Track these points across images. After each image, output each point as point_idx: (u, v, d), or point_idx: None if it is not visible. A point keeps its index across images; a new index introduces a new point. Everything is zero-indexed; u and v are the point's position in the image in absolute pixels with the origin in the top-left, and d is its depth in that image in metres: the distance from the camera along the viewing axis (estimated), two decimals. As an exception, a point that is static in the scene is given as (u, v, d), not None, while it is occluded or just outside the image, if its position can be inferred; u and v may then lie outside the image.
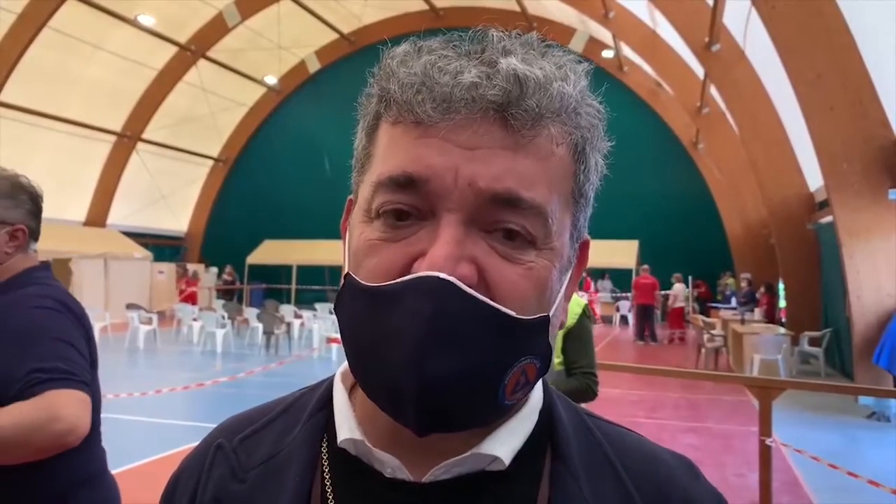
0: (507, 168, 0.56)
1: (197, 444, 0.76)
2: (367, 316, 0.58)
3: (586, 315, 3.25)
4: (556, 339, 3.05)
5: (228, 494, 0.67)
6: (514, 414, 0.65)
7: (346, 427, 0.65)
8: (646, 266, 18.64)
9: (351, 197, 0.68)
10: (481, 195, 0.56)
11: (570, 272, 0.64)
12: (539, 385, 0.69)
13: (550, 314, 0.60)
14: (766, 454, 4.47)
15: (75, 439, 1.61)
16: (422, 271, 0.55)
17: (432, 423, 0.57)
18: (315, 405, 0.71)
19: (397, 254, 0.58)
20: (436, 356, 0.54)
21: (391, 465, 0.62)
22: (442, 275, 0.54)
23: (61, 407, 1.59)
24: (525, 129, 0.57)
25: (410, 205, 0.58)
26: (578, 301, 3.24)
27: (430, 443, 0.61)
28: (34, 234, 1.94)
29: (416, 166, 0.57)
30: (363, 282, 0.59)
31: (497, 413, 0.61)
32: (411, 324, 0.54)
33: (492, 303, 0.56)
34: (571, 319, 3.13)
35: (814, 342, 12.38)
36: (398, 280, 0.56)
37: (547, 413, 0.68)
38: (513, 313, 0.57)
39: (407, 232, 0.58)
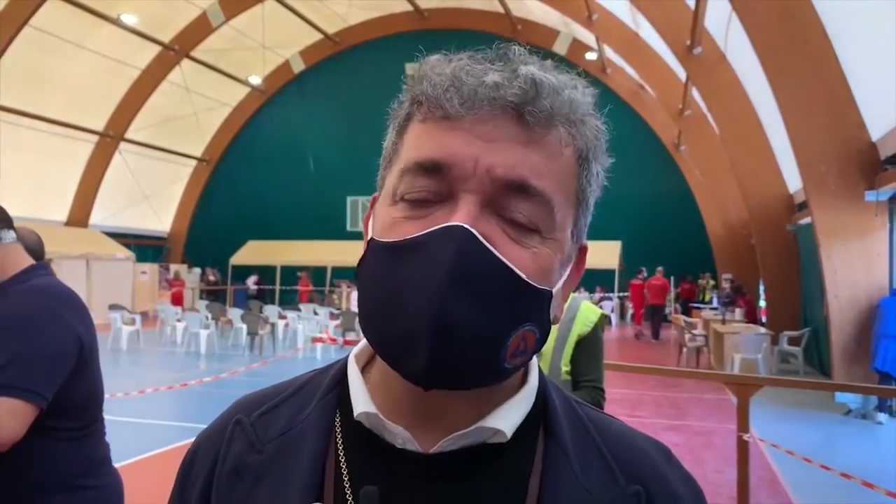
0: (521, 159, 0.63)
1: (214, 419, 0.81)
2: (387, 268, 0.63)
3: (600, 326, 3.01)
4: (568, 345, 2.88)
5: (246, 465, 0.72)
6: (514, 393, 0.71)
7: (362, 401, 0.70)
8: (660, 268, 19.54)
9: (375, 194, 0.74)
10: (497, 181, 0.63)
11: (568, 269, 0.71)
12: (536, 372, 0.75)
13: (553, 291, 0.67)
14: (743, 450, 4.57)
15: None
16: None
17: (440, 369, 0.61)
18: (329, 383, 0.76)
19: (417, 227, 0.63)
20: (455, 298, 0.59)
21: (402, 436, 0.68)
22: (465, 224, 0.61)
23: None
24: (538, 127, 0.64)
25: (432, 191, 0.64)
26: (594, 309, 3.02)
27: (438, 416, 0.68)
28: None
29: (441, 153, 0.64)
30: (386, 239, 0.65)
31: (496, 375, 0.65)
32: (436, 266, 0.60)
33: (507, 261, 0.62)
34: (586, 328, 2.92)
35: (793, 341, 12.54)
36: (423, 232, 0.62)
37: (541, 397, 0.74)
38: (524, 276, 0.63)
39: (428, 211, 0.64)
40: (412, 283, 0.61)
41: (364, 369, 0.75)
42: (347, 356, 0.78)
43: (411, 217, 0.64)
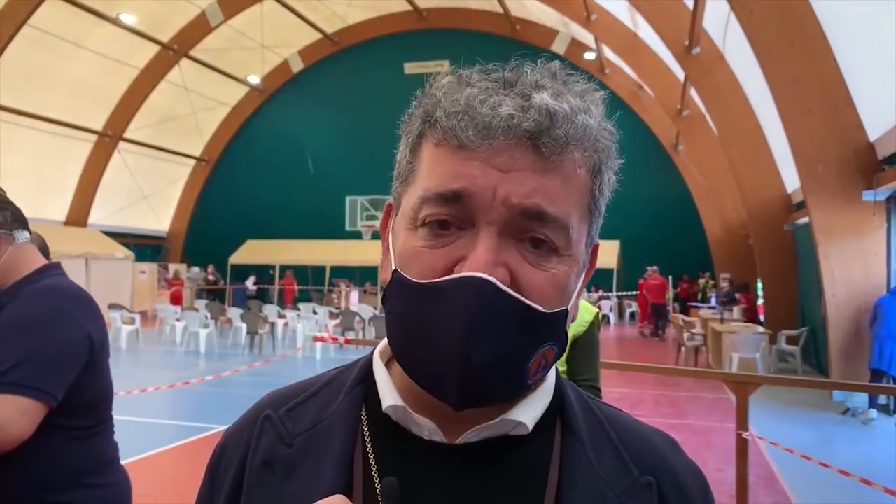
0: (536, 187, 0.66)
1: (239, 416, 0.84)
2: (415, 308, 0.67)
3: (596, 325, 3.04)
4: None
5: (278, 457, 0.76)
6: (534, 389, 0.75)
7: (389, 395, 0.74)
8: (655, 267, 19.63)
9: (390, 202, 0.78)
10: (514, 210, 0.65)
11: (583, 276, 0.75)
12: (553, 370, 0.79)
13: (568, 307, 0.71)
14: (742, 447, 4.60)
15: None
16: (465, 272, 0.64)
17: (470, 401, 0.66)
18: (354, 379, 0.80)
19: (440, 258, 0.66)
20: (478, 346, 0.64)
21: (428, 427, 0.72)
22: (484, 275, 0.63)
23: None
24: (553, 155, 0.66)
25: (452, 216, 0.67)
26: (590, 309, 3.05)
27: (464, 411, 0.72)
28: (9, 225, 1.92)
29: (460, 183, 0.66)
30: (411, 279, 0.67)
31: (520, 392, 0.71)
32: (458, 319, 0.63)
33: (524, 299, 0.65)
34: (581, 327, 2.97)
35: (791, 341, 12.59)
36: (445, 278, 0.65)
37: (558, 393, 0.79)
38: (541, 308, 0.66)
39: (448, 240, 0.67)
40: (439, 328, 0.65)
41: (388, 364, 0.79)
42: (371, 353, 0.81)
43: (432, 246, 0.67)
